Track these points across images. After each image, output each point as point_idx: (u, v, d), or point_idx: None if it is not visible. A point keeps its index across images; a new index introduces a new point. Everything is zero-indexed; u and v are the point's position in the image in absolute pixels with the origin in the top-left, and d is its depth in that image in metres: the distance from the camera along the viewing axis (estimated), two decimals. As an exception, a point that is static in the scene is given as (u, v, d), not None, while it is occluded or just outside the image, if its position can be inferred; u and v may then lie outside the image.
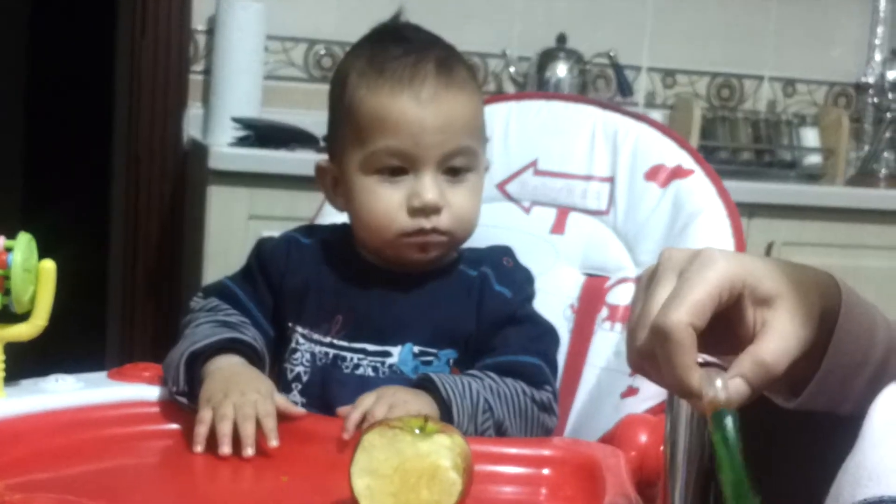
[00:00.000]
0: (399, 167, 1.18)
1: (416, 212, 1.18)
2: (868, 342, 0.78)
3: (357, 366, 1.20)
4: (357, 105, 1.20)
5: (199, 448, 1.06)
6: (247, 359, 1.16)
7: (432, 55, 1.21)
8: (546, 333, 1.26)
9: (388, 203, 1.18)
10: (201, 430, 1.06)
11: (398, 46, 1.22)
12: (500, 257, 1.29)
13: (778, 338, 0.72)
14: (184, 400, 1.13)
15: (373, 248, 1.23)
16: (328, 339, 1.22)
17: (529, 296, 1.27)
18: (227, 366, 1.14)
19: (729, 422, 0.70)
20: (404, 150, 1.17)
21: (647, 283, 0.76)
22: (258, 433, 1.06)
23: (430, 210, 1.18)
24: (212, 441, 1.07)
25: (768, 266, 0.75)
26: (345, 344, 1.21)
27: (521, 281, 1.28)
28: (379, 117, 1.18)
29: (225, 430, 1.05)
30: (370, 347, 1.20)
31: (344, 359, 1.21)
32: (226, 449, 1.05)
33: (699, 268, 0.72)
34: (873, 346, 0.78)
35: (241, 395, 1.08)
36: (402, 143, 1.17)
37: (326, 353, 1.21)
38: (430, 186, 1.17)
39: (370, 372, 1.20)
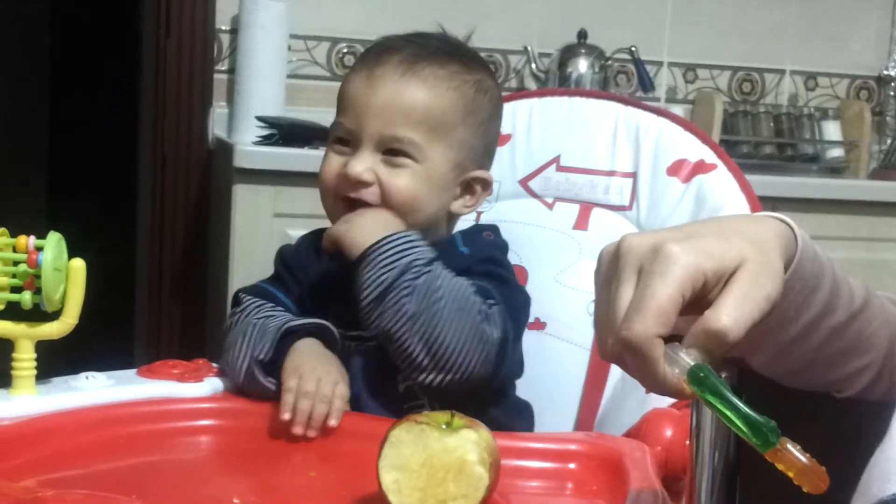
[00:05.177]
0: (347, 139, 1.25)
1: (346, 180, 1.23)
2: (805, 300, 0.77)
3: (354, 351, 1.23)
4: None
5: (287, 416, 1.10)
6: (327, 346, 1.21)
7: (411, 51, 1.26)
8: (505, 286, 1.24)
9: (330, 166, 1.26)
10: (289, 399, 1.11)
11: (402, 40, 1.28)
12: (482, 230, 1.32)
13: (733, 302, 0.70)
14: (260, 371, 1.16)
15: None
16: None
17: (493, 258, 1.27)
18: (314, 345, 1.19)
19: (706, 373, 0.69)
20: (349, 125, 1.25)
21: (606, 274, 0.75)
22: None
23: (355, 181, 1.22)
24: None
25: (728, 237, 0.73)
26: (342, 331, 1.23)
27: (487, 244, 1.30)
28: (340, 95, 1.28)
29: (304, 408, 1.10)
30: (365, 334, 1.22)
31: (342, 345, 1.23)
32: (299, 430, 1.10)
33: (660, 269, 0.70)
34: (809, 305, 0.77)
35: (327, 373, 1.13)
36: (349, 119, 1.25)
37: None
38: (358, 160, 1.23)
39: (365, 356, 1.22)
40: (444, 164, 1.25)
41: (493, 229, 1.33)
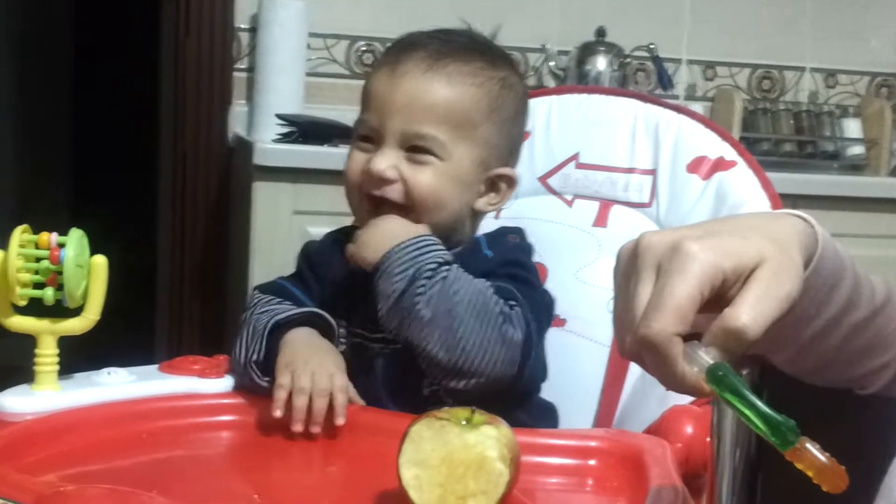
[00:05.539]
0: (370, 137, 1.25)
1: (369, 178, 1.23)
2: (825, 297, 0.76)
3: (379, 354, 1.23)
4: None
5: (278, 413, 1.09)
6: (322, 334, 1.20)
7: (435, 47, 1.25)
8: (528, 288, 1.23)
9: (354, 164, 1.25)
10: (281, 395, 1.10)
11: (427, 36, 1.28)
12: (507, 233, 1.31)
13: (753, 301, 0.70)
14: (255, 372, 1.15)
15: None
16: (355, 330, 1.25)
17: (517, 260, 1.26)
18: (306, 335, 1.18)
19: (725, 372, 0.69)
20: (372, 122, 1.24)
21: (625, 272, 0.75)
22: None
23: (377, 178, 1.22)
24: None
25: (747, 235, 0.72)
26: (367, 334, 1.24)
27: (511, 247, 1.29)
28: (364, 91, 1.27)
29: (300, 405, 1.09)
30: (389, 337, 1.21)
31: (367, 348, 1.24)
32: (298, 427, 1.09)
33: (678, 267, 0.70)
34: (829, 302, 0.77)
35: (320, 366, 1.12)
36: (372, 116, 1.24)
37: (351, 342, 1.25)
38: (382, 157, 1.22)
39: (389, 359, 1.22)
40: (467, 161, 1.24)
41: (519, 232, 1.32)
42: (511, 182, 1.29)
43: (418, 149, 1.22)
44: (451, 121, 1.22)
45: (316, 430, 1.09)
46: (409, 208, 1.23)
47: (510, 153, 1.30)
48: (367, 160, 1.23)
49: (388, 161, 1.22)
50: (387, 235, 1.19)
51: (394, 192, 1.22)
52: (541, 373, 1.27)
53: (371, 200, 1.24)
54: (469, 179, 1.25)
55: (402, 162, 1.22)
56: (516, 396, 1.21)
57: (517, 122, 1.31)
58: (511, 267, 1.24)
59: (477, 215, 1.31)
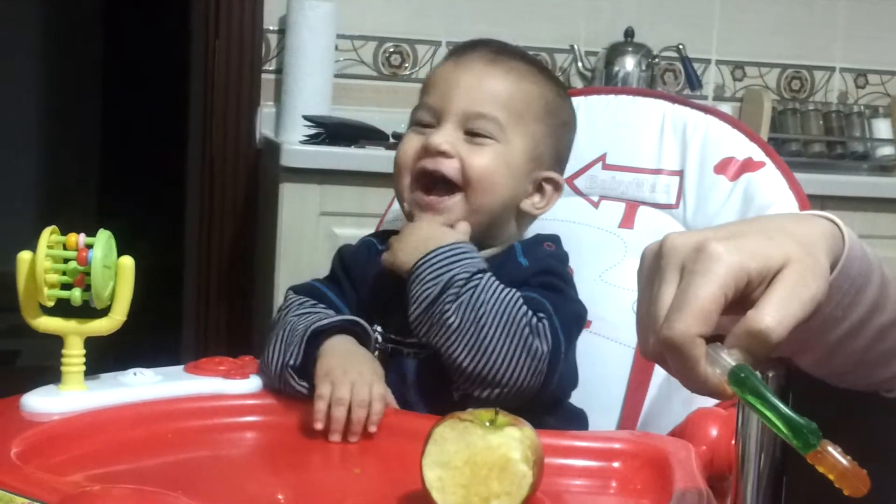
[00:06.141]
0: (427, 123, 1.27)
1: (426, 152, 1.25)
2: (852, 300, 0.75)
3: (412, 358, 1.23)
4: None
5: (319, 425, 1.09)
6: (359, 342, 1.20)
7: (496, 46, 1.30)
8: (560, 297, 1.23)
9: (409, 145, 1.27)
10: (321, 407, 1.10)
11: (488, 39, 1.33)
12: (542, 241, 1.32)
13: (777, 302, 0.69)
14: (292, 376, 1.15)
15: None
16: (388, 334, 1.25)
17: (551, 269, 1.27)
18: (344, 343, 1.18)
19: (747, 374, 0.68)
20: (433, 102, 1.27)
21: (649, 273, 0.74)
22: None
23: (435, 151, 1.23)
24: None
25: (773, 236, 0.72)
26: (400, 338, 1.24)
27: (545, 255, 1.29)
28: (426, 82, 1.32)
29: (339, 416, 1.09)
30: (422, 342, 1.21)
31: (400, 352, 1.24)
32: (336, 437, 1.09)
33: (702, 268, 0.70)
34: (856, 304, 0.76)
35: (359, 375, 1.12)
36: (433, 97, 1.27)
37: (387, 347, 1.25)
38: (440, 133, 1.24)
39: (421, 364, 1.22)
40: (522, 151, 1.27)
41: (555, 239, 1.33)
42: (557, 186, 1.32)
43: (477, 133, 1.25)
44: (511, 108, 1.26)
45: (354, 440, 1.09)
46: (461, 187, 1.24)
47: (557, 160, 1.33)
48: (423, 139, 1.26)
49: (446, 136, 1.24)
50: (423, 240, 1.20)
51: (449, 168, 1.24)
52: (571, 381, 1.27)
53: (424, 177, 1.25)
54: (521, 171, 1.27)
55: (460, 142, 1.25)
56: (545, 403, 1.20)
57: (567, 134, 1.34)
58: (544, 276, 1.25)
59: (522, 217, 1.32)
